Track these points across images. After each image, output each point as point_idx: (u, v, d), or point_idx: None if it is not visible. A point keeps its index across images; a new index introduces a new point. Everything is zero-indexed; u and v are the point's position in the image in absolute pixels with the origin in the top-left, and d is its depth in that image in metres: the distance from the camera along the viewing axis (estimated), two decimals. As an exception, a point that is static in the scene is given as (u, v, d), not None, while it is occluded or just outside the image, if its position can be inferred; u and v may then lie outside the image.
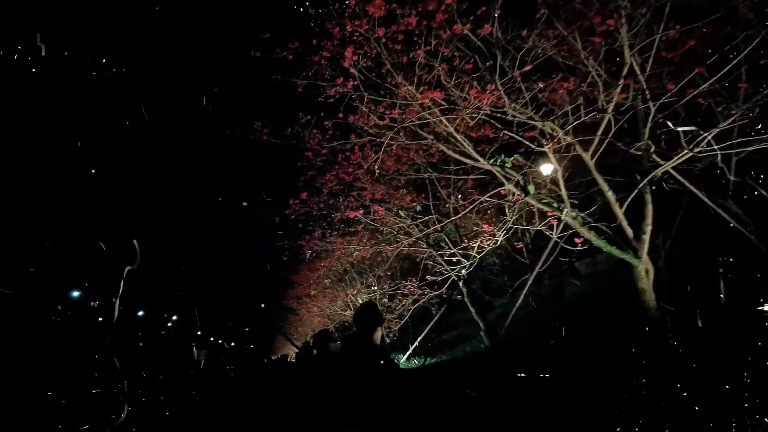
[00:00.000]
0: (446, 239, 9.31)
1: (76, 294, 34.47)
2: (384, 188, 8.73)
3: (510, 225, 5.48)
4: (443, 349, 11.48)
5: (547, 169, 6.57)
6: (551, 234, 5.43)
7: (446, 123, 5.06)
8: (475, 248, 5.76)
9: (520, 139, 5.03)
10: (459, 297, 12.18)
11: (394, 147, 7.18)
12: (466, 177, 6.43)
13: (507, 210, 5.55)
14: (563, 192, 5.41)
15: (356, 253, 9.48)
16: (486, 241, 5.59)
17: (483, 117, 4.94)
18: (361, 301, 11.83)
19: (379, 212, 7.32)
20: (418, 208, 9.22)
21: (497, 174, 5.69)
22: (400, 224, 8.24)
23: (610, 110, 5.03)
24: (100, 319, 40.33)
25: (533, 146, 5.02)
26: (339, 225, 10.02)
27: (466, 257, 5.95)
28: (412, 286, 10.11)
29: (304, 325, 28.32)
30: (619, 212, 6.13)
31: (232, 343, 57.83)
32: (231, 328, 54.72)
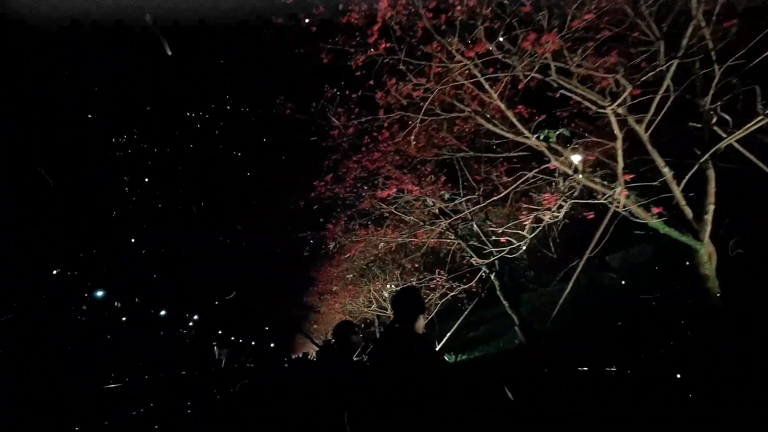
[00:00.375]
0: (478, 229, 8.77)
1: (99, 294, 34.92)
2: (410, 177, 8.27)
3: (574, 195, 4.88)
4: (474, 346, 10.93)
5: (577, 158, 6.10)
6: (617, 207, 4.85)
7: (490, 91, 4.55)
8: (527, 227, 5.21)
9: (578, 99, 4.47)
10: (483, 294, 11.65)
11: (420, 128, 6.71)
12: (504, 155, 5.89)
13: (562, 183, 4.98)
14: (620, 166, 4.84)
15: (381, 244, 9.02)
16: (547, 215, 5.02)
17: (535, 76, 4.39)
18: (386, 296, 11.38)
19: (413, 191, 6.80)
20: (446, 197, 8.70)
21: (544, 150, 5.15)
22: (433, 207, 7.72)
23: (673, 67, 4.44)
24: (124, 318, 40.98)
25: (594, 107, 4.45)
26: (364, 215, 9.58)
27: (518, 237, 5.39)
28: (440, 279, 9.59)
29: (324, 322, 28.04)
30: (677, 191, 5.53)
31: (252, 342, 58.25)
32: (251, 327, 55.01)
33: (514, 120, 4.85)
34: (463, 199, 7.40)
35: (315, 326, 33.11)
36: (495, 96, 4.57)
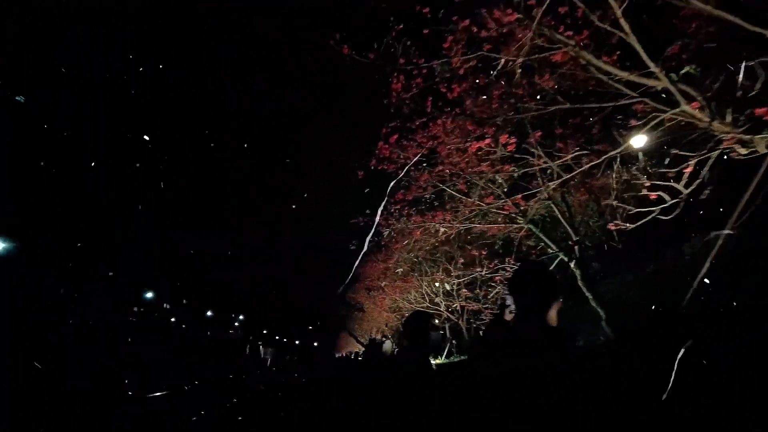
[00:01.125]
0: (556, 209, 7.57)
1: (149, 295, 35.81)
2: (470, 156, 7.20)
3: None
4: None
5: (639, 141, 4.83)
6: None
7: (614, 5, 3.39)
8: (684, 178, 3.96)
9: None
10: (565, 284, 10.33)
11: (493, 85, 5.60)
12: (611, 105, 4.66)
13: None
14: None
15: (442, 230, 7.97)
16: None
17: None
18: (449, 288, 10.29)
19: (509, 146, 5.58)
20: (517, 174, 7.54)
21: (675, 93, 3.92)
22: (502, 186, 6.59)
23: None
24: (173, 319, 42.01)
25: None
26: (419, 201, 8.61)
27: (673, 192, 4.13)
28: (510, 268, 8.43)
29: (370, 320, 27.30)
30: None
31: (296, 341, 58.74)
32: (295, 327, 55.41)
33: (641, 51, 3.65)
34: (538, 166, 6.21)
35: (359, 324, 32.48)
36: (619, 12, 3.40)
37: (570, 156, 4.82)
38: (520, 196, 6.31)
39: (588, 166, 4.71)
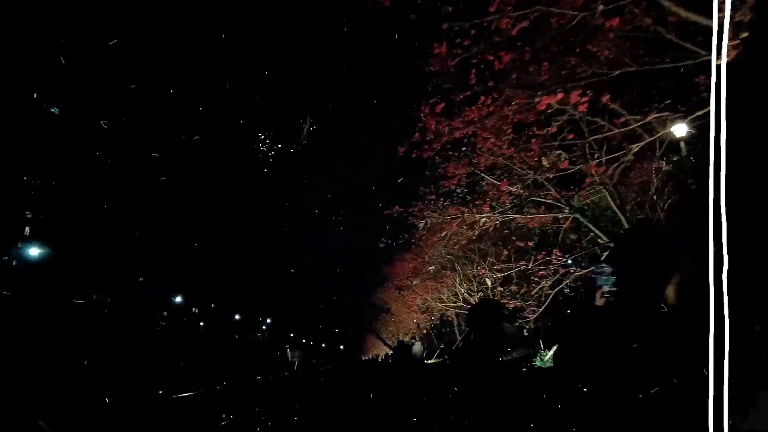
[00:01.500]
0: (609, 197, 6.97)
1: (178, 300, 36.23)
2: (509, 141, 6.67)
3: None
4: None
5: (680, 130, 4.69)
6: None
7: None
8: None
9: None
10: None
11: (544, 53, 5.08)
12: (688, 63, 4.03)
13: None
14: None
15: (483, 220, 7.41)
16: None
17: None
18: (490, 284, 9.69)
19: (580, 107, 4.92)
20: (564, 157, 6.97)
21: None
22: (549, 169, 6.04)
23: None
24: (201, 323, 42.45)
25: None
26: (450, 194, 8.14)
27: None
28: (556, 262, 7.78)
29: (396, 322, 26.73)
30: None
31: (323, 344, 58.66)
32: (322, 330, 55.35)
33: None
34: (610, 131, 5.54)
35: (386, 327, 32.00)
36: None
37: (652, 117, 4.22)
38: (594, 162, 5.64)
39: (665, 131, 4.12)
